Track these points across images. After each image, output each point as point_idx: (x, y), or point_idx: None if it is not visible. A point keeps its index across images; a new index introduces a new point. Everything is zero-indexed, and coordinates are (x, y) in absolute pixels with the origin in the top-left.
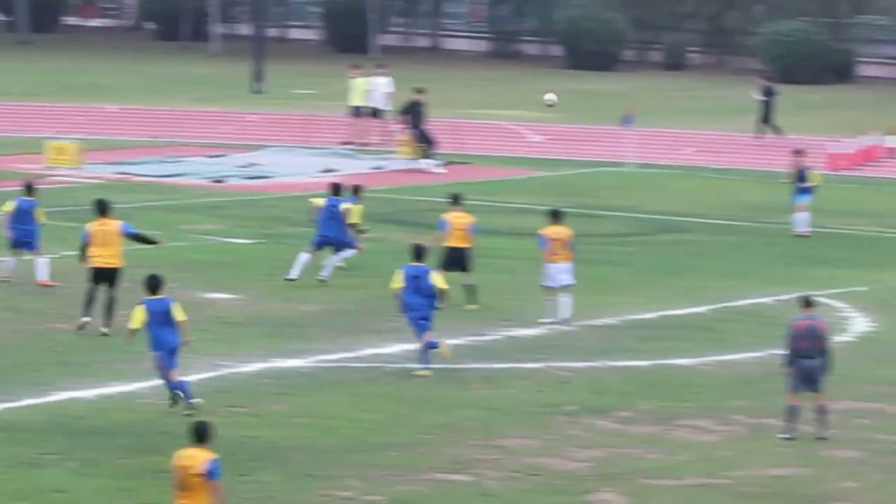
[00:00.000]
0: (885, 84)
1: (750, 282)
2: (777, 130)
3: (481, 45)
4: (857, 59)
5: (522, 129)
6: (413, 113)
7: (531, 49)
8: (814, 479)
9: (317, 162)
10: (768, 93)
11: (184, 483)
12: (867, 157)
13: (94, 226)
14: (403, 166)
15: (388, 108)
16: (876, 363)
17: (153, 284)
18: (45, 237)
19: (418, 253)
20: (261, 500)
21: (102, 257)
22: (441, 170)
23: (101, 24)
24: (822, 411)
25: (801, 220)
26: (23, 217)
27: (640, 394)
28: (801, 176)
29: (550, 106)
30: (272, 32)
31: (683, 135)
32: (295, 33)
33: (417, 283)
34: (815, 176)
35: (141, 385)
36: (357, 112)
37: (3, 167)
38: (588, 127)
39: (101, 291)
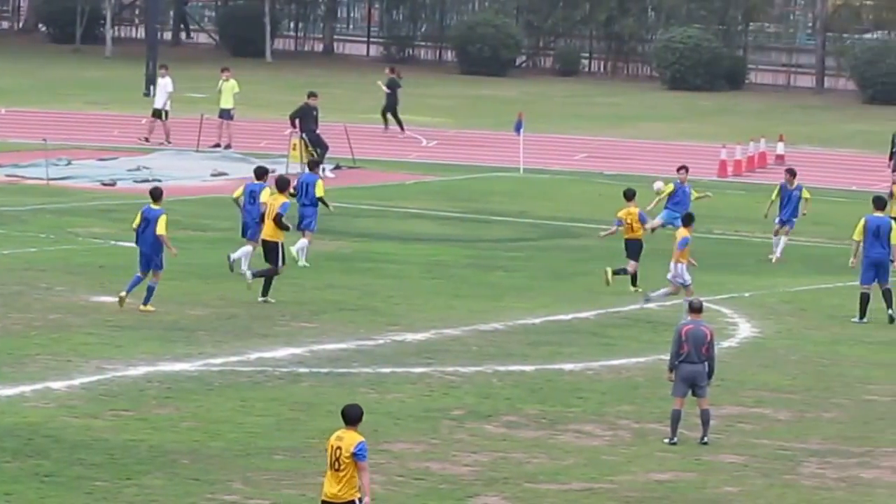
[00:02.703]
0: (776, 91)
1: (637, 287)
2: (399, 123)
3: (375, 50)
4: (748, 66)
5: (415, 133)
6: (305, 117)
7: (425, 54)
8: (696, 484)
9: (207, 165)
10: (393, 85)
11: (335, 462)
12: (757, 163)
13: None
14: (294, 170)
15: (169, 108)
16: (759, 369)
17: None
18: None
19: None
20: None
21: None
22: (332, 174)
23: None
24: (705, 416)
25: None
26: None
27: (526, 398)
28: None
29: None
30: (166, 36)
31: (575, 140)
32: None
33: None
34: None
35: (25, 388)
36: (226, 114)
37: None
38: (480, 132)
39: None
